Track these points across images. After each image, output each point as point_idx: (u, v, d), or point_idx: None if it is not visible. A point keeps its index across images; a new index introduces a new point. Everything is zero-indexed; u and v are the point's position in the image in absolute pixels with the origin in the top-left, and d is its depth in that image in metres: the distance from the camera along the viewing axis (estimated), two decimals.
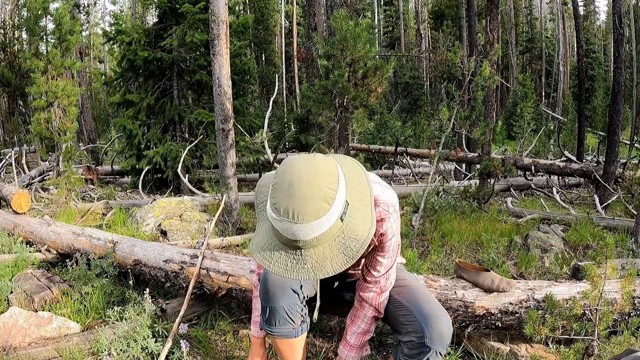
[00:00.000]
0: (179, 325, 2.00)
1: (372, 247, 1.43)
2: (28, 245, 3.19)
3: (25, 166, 6.97)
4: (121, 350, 1.95)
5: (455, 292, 1.92)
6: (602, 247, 1.81)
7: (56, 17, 5.31)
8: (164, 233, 4.02)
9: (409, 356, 1.47)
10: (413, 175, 7.99)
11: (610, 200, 5.50)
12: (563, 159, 7.92)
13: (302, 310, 1.56)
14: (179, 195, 5.67)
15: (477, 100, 4.72)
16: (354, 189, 1.21)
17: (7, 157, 7.33)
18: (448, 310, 1.90)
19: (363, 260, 1.54)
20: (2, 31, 12.15)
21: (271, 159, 4.97)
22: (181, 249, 2.58)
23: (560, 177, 7.42)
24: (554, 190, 6.65)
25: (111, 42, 6.98)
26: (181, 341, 1.88)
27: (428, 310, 1.46)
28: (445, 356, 1.98)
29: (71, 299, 2.47)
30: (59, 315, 2.28)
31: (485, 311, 1.89)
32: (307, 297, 1.62)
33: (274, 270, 1.15)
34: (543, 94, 26.10)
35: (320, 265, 1.13)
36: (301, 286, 1.55)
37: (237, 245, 3.70)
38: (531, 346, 1.97)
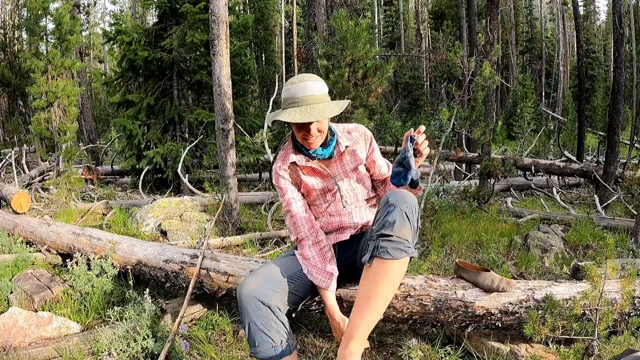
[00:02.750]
0: (179, 325, 2.00)
1: (369, 155, 1.90)
2: (28, 245, 3.18)
3: (25, 166, 6.97)
4: (121, 350, 1.95)
5: (455, 292, 1.92)
6: (602, 247, 1.80)
7: (56, 17, 5.31)
8: (164, 233, 4.02)
9: (376, 229, 1.49)
10: None
11: (610, 200, 5.50)
12: (563, 159, 7.92)
13: (279, 326, 1.55)
14: (179, 195, 5.67)
15: (477, 100, 4.72)
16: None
17: (7, 157, 7.32)
18: (448, 310, 1.90)
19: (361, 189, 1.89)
20: (2, 31, 12.13)
21: (271, 159, 4.96)
22: (181, 249, 2.58)
23: (560, 177, 7.41)
24: (554, 190, 6.65)
25: (111, 42, 6.98)
26: (181, 341, 1.88)
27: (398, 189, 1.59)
28: (445, 355, 1.98)
29: (71, 299, 2.47)
30: (59, 315, 2.28)
31: (485, 311, 1.89)
32: (291, 308, 1.64)
33: (284, 118, 1.60)
34: (543, 94, 26.08)
35: (316, 113, 1.60)
36: (275, 298, 1.56)
37: (237, 245, 3.70)
38: (531, 346, 1.97)
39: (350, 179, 1.86)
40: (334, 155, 1.82)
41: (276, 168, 1.84)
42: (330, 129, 1.82)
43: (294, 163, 1.81)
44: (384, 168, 1.95)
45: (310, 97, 1.63)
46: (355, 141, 1.87)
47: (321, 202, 1.87)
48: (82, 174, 6.91)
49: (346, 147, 1.83)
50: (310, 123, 1.64)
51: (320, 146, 1.77)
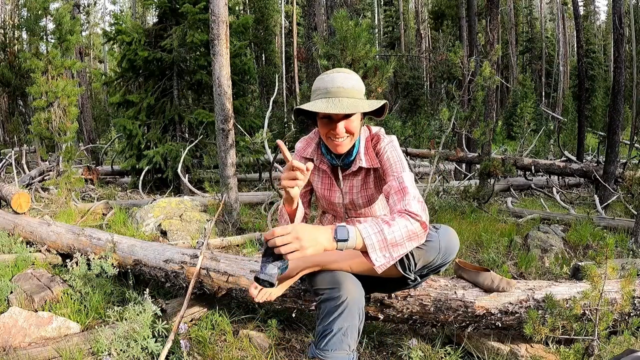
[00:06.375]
0: (179, 325, 2.00)
1: (377, 172, 1.70)
2: (28, 245, 3.19)
3: (25, 166, 6.97)
4: (121, 350, 1.95)
5: (455, 292, 1.92)
6: (602, 247, 1.80)
7: (56, 17, 5.32)
8: (164, 233, 4.02)
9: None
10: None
11: (610, 200, 5.50)
12: (563, 159, 7.91)
13: (358, 335, 1.54)
14: (179, 195, 5.67)
15: (477, 100, 4.73)
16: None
17: (7, 157, 7.33)
18: (448, 310, 1.90)
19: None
20: (2, 31, 12.14)
21: (271, 159, 4.96)
22: (181, 249, 2.58)
23: (560, 177, 7.42)
24: (554, 190, 6.65)
25: (111, 42, 6.99)
26: (181, 341, 1.88)
27: None
28: (445, 355, 1.98)
29: (71, 299, 2.47)
30: (59, 315, 2.28)
31: (485, 311, 1.89)
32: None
33: (308, 107, 1.48)
34: (543, 94, 26.11)
35: (344, 105, 1.48)
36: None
37: (237, 245, 3.70)
38: (531, 346, 1.97)
39: (356, 202, 1.75)
40: (351, 169, 1.69)
41: (296, 149, 1.80)
42: (359, 139, 1.66)
43: (310, 158, 1.77)
44: (393, 182, 1.58)
45: (341, 89, 1.50)
46: (374, 162, 1.68)
47: (325, 206, 1.87)
48: (82, 174, 6.91)
49: (359, 168, 1.68)
50: (338, 120, 1.52)
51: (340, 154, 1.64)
